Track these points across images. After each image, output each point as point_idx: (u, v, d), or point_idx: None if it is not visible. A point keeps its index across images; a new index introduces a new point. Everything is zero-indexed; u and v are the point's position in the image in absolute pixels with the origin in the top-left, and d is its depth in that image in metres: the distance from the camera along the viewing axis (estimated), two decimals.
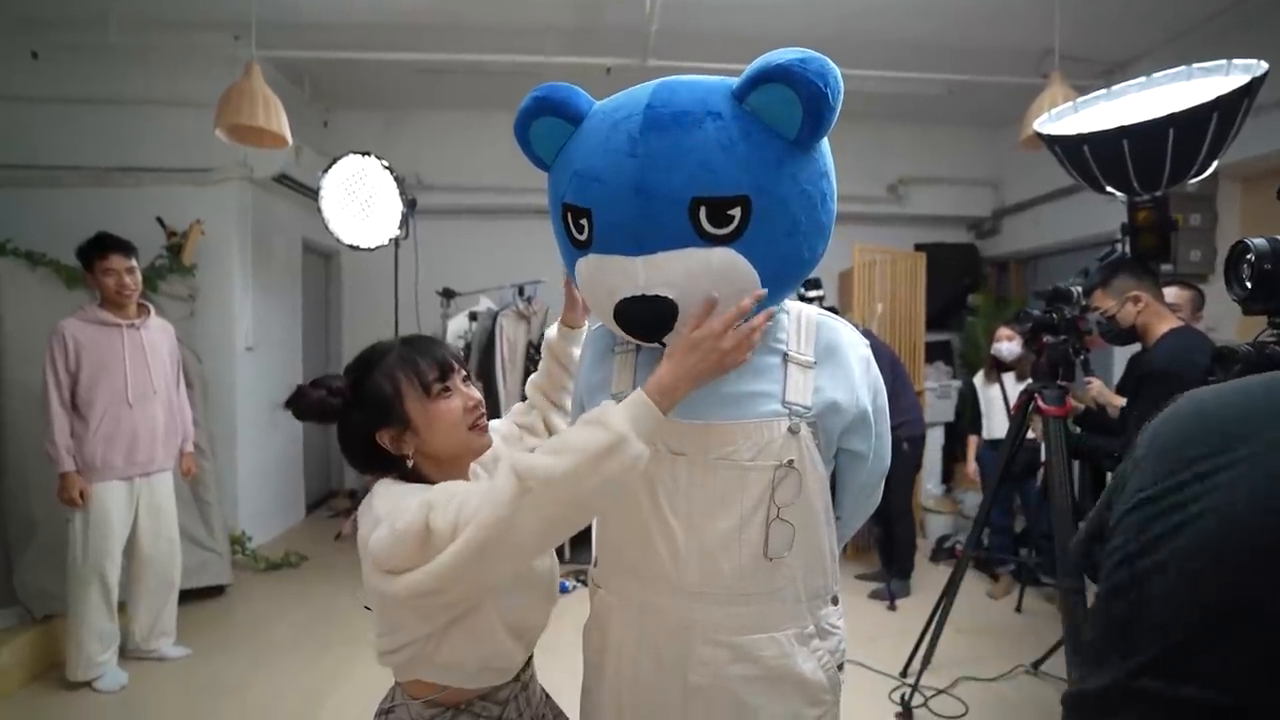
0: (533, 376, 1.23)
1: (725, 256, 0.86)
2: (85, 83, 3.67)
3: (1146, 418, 1.78)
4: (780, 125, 0.86)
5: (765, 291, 0.89)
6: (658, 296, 0.87)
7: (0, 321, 2.89)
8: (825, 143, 0.93)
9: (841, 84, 0.85)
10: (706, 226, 0.85)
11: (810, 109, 0.83)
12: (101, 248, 2.56)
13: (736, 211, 0.85)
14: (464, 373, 1.00)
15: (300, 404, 0.96)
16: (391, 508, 0.87)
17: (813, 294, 3.47)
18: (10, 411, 2.86)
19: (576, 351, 1.15)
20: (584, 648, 1.05)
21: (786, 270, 0.92)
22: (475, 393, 1.00)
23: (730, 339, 0.85)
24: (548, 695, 1.12)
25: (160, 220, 3.60)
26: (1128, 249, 2.10)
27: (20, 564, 2.83)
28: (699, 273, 0.86)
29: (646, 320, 0.89)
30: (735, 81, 0.87)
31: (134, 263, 2.62)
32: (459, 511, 0.83)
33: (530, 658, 1.05)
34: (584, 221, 0.91)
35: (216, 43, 3.68)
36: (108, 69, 3.66)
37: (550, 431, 1.17)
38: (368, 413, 0.95)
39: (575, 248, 0.95)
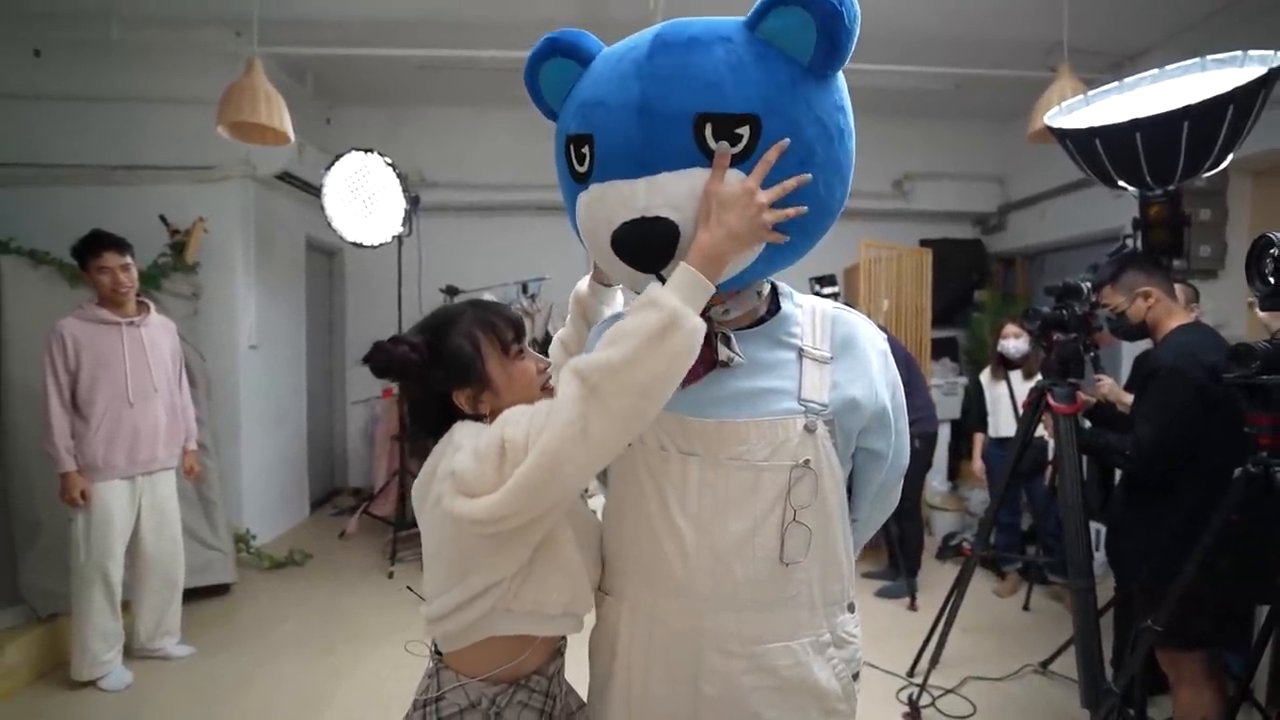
0: (560, 331, 1.20)
1: (733, 178, 0.81)
2: (87, 80, 3.66)
3: (1152, 415, 1.76)
4: (795, 50, 0.82)
5: (808, 176, 0.84)
6: (659, 218, 0.82)
7: (2, 320, 2.88)
8: (842, 79, 0.89)
9: (859, 11, 0.81)
10: (713, 145, 0.81)
11: (825, 31, 0.80)
12: (96, 245, 2.53)
13: (745, 130, 0.81)
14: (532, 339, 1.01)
15: (381, 359, 0.93)
16: (474, 435, 0.88)
17: (827, 290, 3.44)
18: (12, 411, 2.85)
19: (606, 310, 1.13)
20: (590, 656, 1.02)
21: (801, 205, 0.85)
22: (545, 360, 1.03)
23: (766, 195, 0.81)
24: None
25: (163, 218, 3.59)
26: (1139, 244, 2.07)
27: (25, 563, 2.83)
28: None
29: (646, 242, 0.83)
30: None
31: (129, 260, 2.60)
32: (530, 421, 0.82)
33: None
34: (585, 150, 0.87)
35: (218, 39, 3.66)
36: (110, 66, 3.65)
37: None
38: (448, 371, 0.94)
39: (576, 182, 0.90)
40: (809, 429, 0.87)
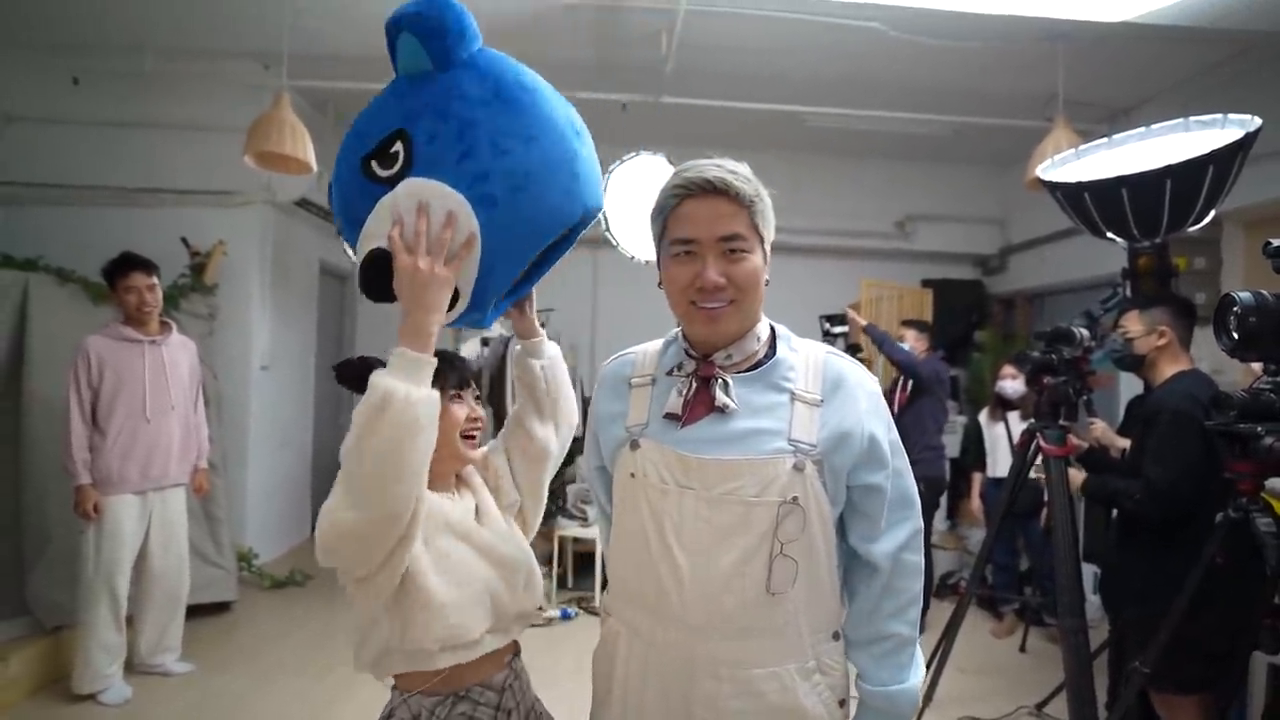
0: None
1: (405, 186, 0.92)
2: (119, 107, 3.82)
3: (1166, 457, 1.80)
4: (420, 64, 0.94)
5: (460, 201, 0.90)
6: (369, 252, 0.93)
7: (27, 336, 2.97)
8: (499, 65, 0.97)
9: (459, 8, 0.93)
10: (380, 172, 0.93)
11: (421, 34, 0.91)
12: (125, 266, 2.65)
13: (398, 147, 0.93)
14: (477, 393, 1.11)
15: (344, 369, 1.09)
16: None
17: (838, 329, 3.48)
18: (32, 424, 2.92)
19: (537, 364, 1.16)
20: (593, 673, 1.07)
21: (482, 206, 0.91)
22: (480, 411, 1.12)
23: (423, 257, 0.89)
24: (537, 698, 1.15)
25: (184, 240, 3.71)
26: (1128, 293, 2.14)
27: (32, 575, 2.86)
28: (385, 214, 0.92)
29: (367, 280, 0.94)
30: None
31: (155, 280, 2.70)
32: None
33: (517, 650, 1.12)
34: None
35: (245, 71, 3.82)
36: (142, 95, 3.80)
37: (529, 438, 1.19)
38: None
39: None
40: (797, 468, 0.92)
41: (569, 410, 1.20)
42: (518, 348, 1.18)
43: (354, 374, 1.05)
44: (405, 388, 0.86)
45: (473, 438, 1.10)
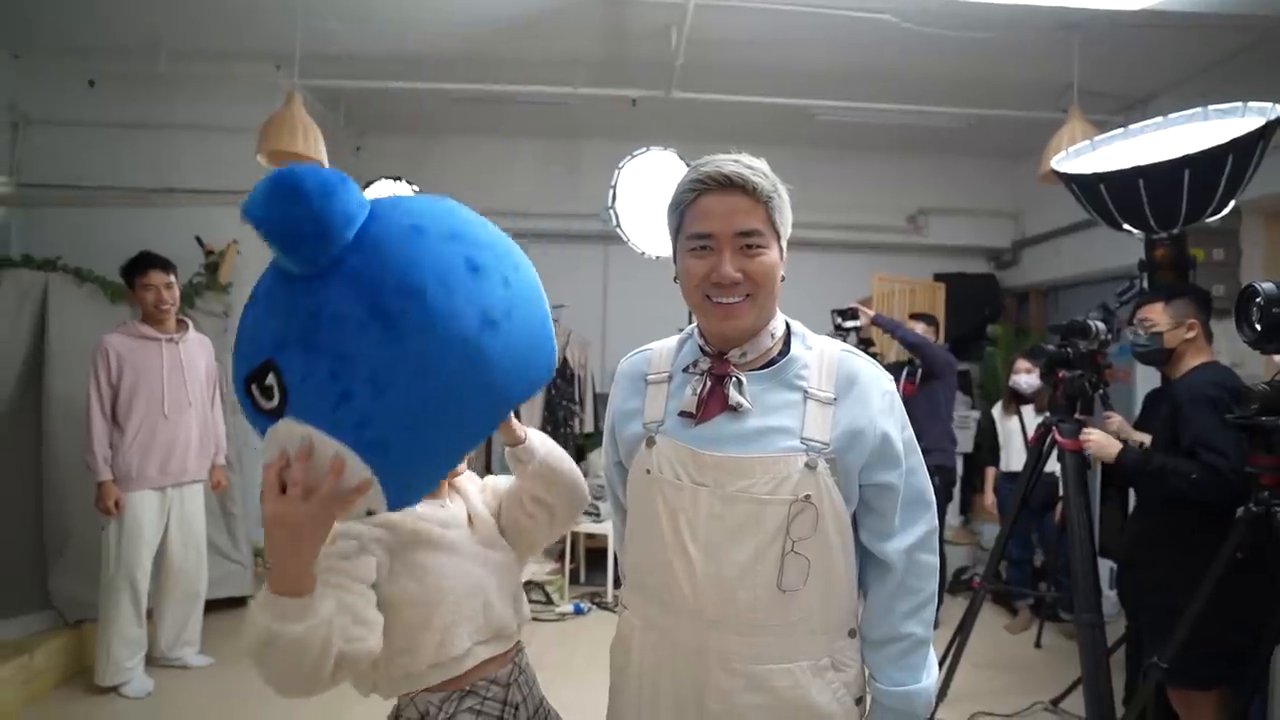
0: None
1: (284, 426, 0.74)
2: (136, 109, 3.86)
3: (1218, 443, 1.74)
4: (287, 265, 0.75)
5: (346, 449, 0.73)
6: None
7: (47, 335, 3.02)
8: (383, 292, 0.73)
9: (315, 203, 0.71)
10: (261, 402, 0.76)
11: (274, 243, 0.73)
12: (144, 264, 2.70)
13: (271, 379, 0.74)
14: None
15: None
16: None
17: (849, 324, 3.46)
18: (52, 422, 2.97)
19: (530, 466, 1.08)
20: (610, 665, 1.08)
21: (373, 451, 0.74)
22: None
23: (299, 503, 0.74)
24: (544, 697, 1.15)
25: (199, 239, 3.74)
26: (1145, 284, 2.11)
27: (54, 570, 2.91)
28: (273, 448, 0.76)
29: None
30: None
31: (173, 278, 2.75)
32: None
33: (520, 647, 1.10)
34: None
35: (258, 72, 3.85)
36: (157, 96, 3.84)
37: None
38: None
39: None
40: (810, 466, 0.93)
41: (578, 498, 1.12)
42: (505, 450, 1.09)
43: None
44: (286, 627, 0.78)
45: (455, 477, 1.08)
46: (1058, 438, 2.11)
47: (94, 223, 3.75)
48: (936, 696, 2.47)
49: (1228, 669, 1.76)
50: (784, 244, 0.99)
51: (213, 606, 3.12)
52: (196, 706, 2.60)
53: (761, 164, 0.96)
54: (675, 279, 1.01)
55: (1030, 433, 3.58)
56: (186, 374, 2.77)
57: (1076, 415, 2.12)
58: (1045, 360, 2.18)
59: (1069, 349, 2.10)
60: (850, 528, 0.97)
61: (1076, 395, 2.09)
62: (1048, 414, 2.23)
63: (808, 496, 0.92)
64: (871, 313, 3.60)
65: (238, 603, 3.45)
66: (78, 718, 2.49)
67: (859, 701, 1.00)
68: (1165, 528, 1.92)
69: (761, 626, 0.94)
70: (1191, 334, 1.94)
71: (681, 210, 0.97)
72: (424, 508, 1.02)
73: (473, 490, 1.12)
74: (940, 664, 2.61)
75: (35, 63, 3.75)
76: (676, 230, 0.99)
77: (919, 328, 3.66)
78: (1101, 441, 2.02)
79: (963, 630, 2.49)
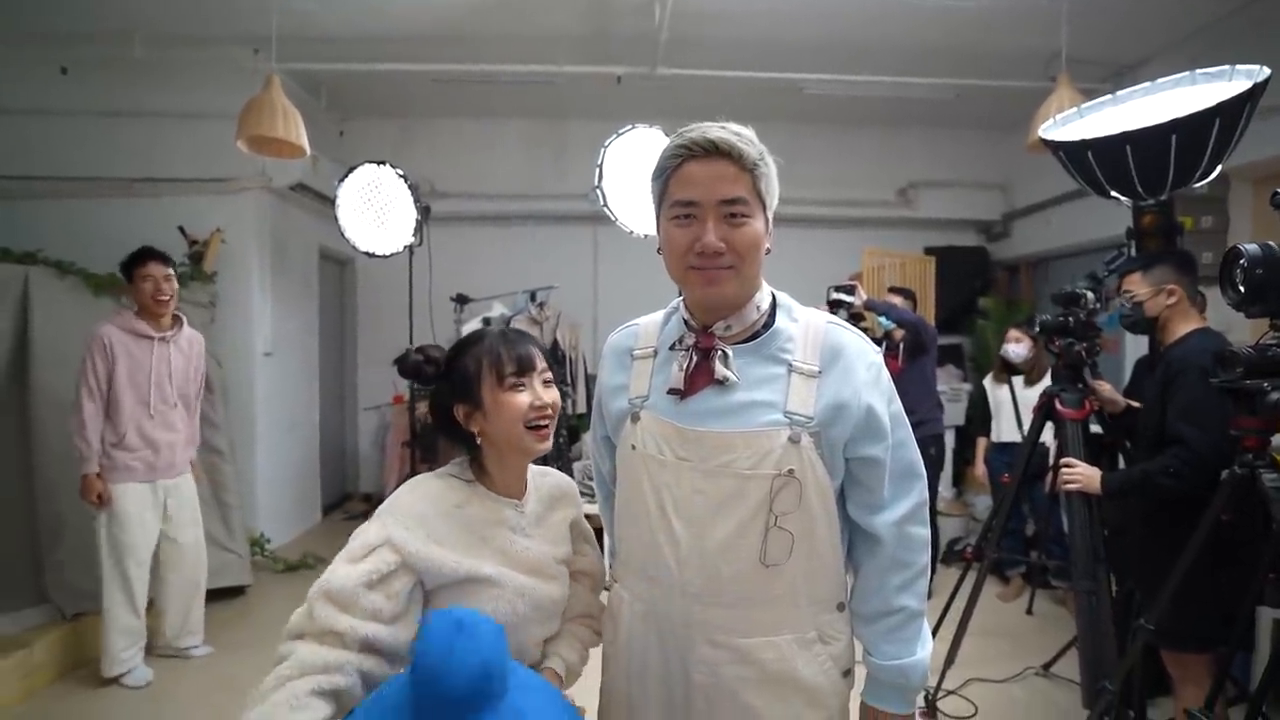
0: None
1: None
2: (111, 97, 3.78)
3: (1197, 415, 1.73)
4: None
5: None
6: None
7: (30, 328, 2.97)
8: None
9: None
10: None
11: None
12: (143, 257, 2.71)
13: None
14: (547, 376, 1.04)
15: (402, 363, 1.13)
16: (387, 507, 0.98)
17: (847, 298, 3.41)
18: (38, 415, 2.93)
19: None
20: (602, 638, 1.10)
21: None
22: (550, 396, 1.03)
23: None
24: None
25: (182, 229, 3.69)
26: (1133, 252, 2.11)
27: (49, 563, 2.90)
28: None
29: None
30: None
31: (171, 272, 2.75)
32: (332, 570, 0.93)
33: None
34: None
35: (236, 56, 3.77)
36: (133, 83, 3.76)
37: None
38: (452, 386, 1.04)
39: None
40: (793, 440, 0.91)
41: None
42: None
43: (413, 368, 1.09)
44: None
45: (541, 428, 1.01)
46: (1059, 408, 2.11)
47: (73, 214, 3.69)
48: (945, 664, 2.52)
49: (1216, 631, 1.77)
50: (770, 215, 0.96)
51: (210, 596, 3.12)
52: (198, 695, 2.61)
53: (748, 131, 0.94)
54: (659, 250, 0.99)
55: (1020, 402, 3.61)
56: (174, 373, 2.77)
57: (1079, 384, 2.11)
58: (1042, 328, 2.17)
59: (1069, 317, 2.10)
60: (835, 502, 0.96)
61: (1075, 363, 2.09)
62: (1049, 384, 2.24)
63: (791, 471, 0.91)
64: (864, 297, 3.60)
65: (235, 592, 3.46)
66: (77, 710, 2.50)
67: (846, 674, 1.00)
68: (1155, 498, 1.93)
69: (746, 600, 0.94)
70: (1173, 300, 1.91)
71: (665, 177, 0.95)
72: (498, 508, 1.01)
73: (544, 493, 1.09)
74: (935, 633, 2.65)
75: (4, 51, 3.65)
76: (660, 198, 0.97)
77: (897, 301, 3.66)
78: (1086, 474, 2.02)
79: (968, 602, 2.48)
